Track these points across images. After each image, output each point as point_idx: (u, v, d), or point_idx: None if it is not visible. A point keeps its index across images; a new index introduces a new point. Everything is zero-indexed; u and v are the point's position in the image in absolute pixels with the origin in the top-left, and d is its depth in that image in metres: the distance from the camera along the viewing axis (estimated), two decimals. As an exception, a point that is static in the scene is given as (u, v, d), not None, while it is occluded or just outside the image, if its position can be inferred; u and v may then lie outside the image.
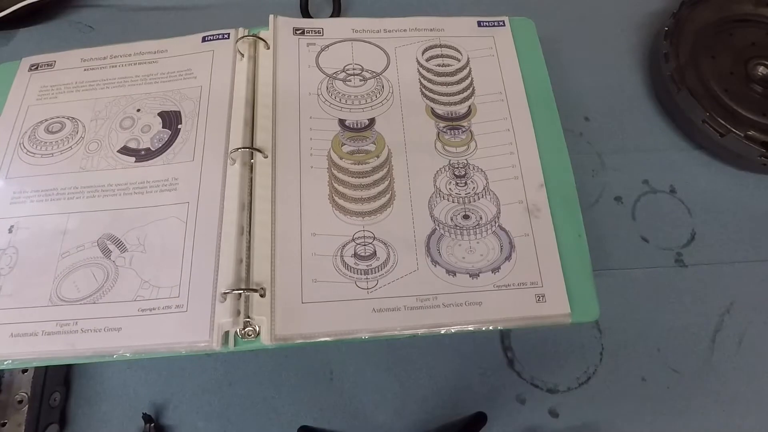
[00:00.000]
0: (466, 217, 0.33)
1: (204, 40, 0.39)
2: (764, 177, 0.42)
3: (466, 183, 0.35)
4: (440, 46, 0.40)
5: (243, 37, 0.38)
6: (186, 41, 0.40)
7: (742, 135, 0.39)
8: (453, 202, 0.34)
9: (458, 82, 0.38)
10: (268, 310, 0.30)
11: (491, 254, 0.32)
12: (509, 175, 0.35)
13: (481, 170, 0.35)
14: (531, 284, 0.31)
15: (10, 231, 0.33)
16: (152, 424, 0.33)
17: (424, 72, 0.39)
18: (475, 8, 0.42)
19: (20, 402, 0.32)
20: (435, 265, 0.32)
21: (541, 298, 0.31)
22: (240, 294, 0.30)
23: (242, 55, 0.38)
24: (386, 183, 0.34)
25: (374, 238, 0.33)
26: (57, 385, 0.34)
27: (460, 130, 0.36)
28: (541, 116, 0.37)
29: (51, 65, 0.40)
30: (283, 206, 0.33)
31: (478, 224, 0.33)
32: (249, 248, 0.32)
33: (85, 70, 0.40)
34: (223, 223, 0.32)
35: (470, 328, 0.30)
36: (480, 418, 0.33)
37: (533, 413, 0.35)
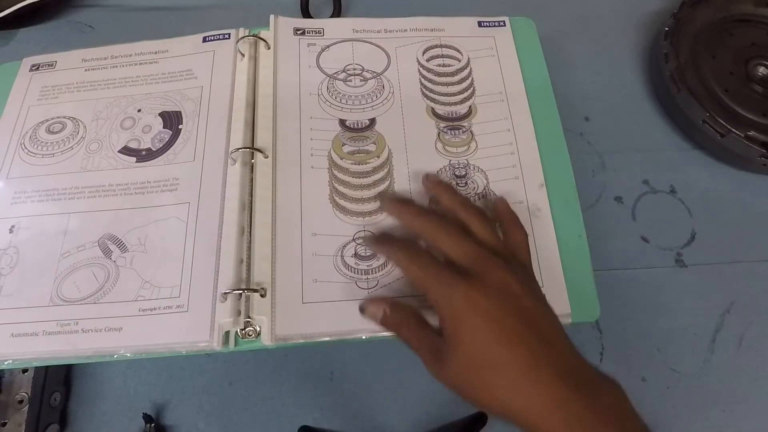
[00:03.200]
0: (466, 217, 0.33)
1: (205, 40, 0.40)
2: (764, 177, 0.42)
3: (466, 183, 0.35)
4: (440, 46, 0.40)
5: (243, 37, 0.39)
6: (187, 41, 0.40)
7: (742, 135, 0.39)
8: (453, 202, 0.34)
9: (459, 82, 0.38)
10: (268, 310, 0.30)
11: (491, 254, 0.32)
12: (509, 175, 0.35)
13: (482, 170, 0.35)
14: (531, 284, 0.31)
15: (10, 231, 0.33)
16: (152, 424, 0.33)
17: (424, 72, 0.39)
18: (476, 8, 0.42)
19: (20, 402, 0.32)
20: (435, 265, 0.32)
21: (541, 298, 0.31)
22: (240, 294, 0.30)
23: (243, 56, 0.38)
24: (386, 183, 0.34)
25: (375, 238, 0.33)
26: (57, 385, 0.34)
27: (460, 131, 0.36)
28: (542, 116, 0.37)
29: (52, 65, 0.40)
30: (283, 206, 0.33)
31: (478, 224, 0.33)
32: (249, 248, 0.32)
33: (85, 70, 0.40)
34: (224, 223, 0.32)
35: (470, 328, 0.30)
36: (480, 418, 0.33)
37: (533, 413, 0.35)
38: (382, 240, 0.30)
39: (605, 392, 0.24)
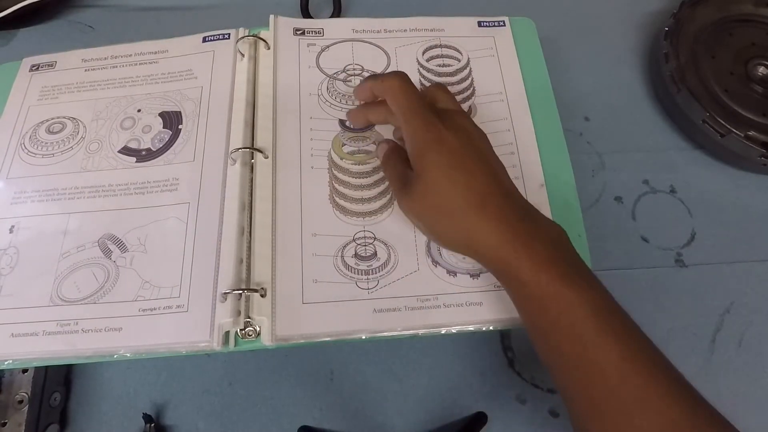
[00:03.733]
0: (466, 217, 0.33)
1: (204, 40, 0.40)
2: (764, 177, 0.42)
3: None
4: (440, 46, 0.40)
5: (243, 37, 0.39)
6: (186, 41, 0.40)
7: (742, 135, 0.39)
8: (453, 202, 0.34)
9: (458, 83, 0.38)
10: (268, 310, 0.30)
11: (491, 254, 0.32)
12: (510, 175, 0.35)
13: (482, 170, 0.35)
14: (531, 284, 0.31)
15: (10, 231, 0.33)
16: (152, 424, 0.33)
17: (424, 72, 0.39)
18: (475, 8, 0.42)
19: (20, 402, 0.32)
20: (435, 266, 0.32)
21: (541, 298, 0.31)
22: (240, 294, 0.30)
23: (243, 56, 0.38)
24: (386, 183, 0.34)
25: (375, 238, 0.33)
26: (57, 385, 0.34)
27: (460, 131, 0.36)
28: (542, 116, 0.37)
29: (52, 66, 0.40)
30: (283, 206, 0.33)
31: (478, 224, 0.33)
32: (249, 248, 0.32)
33: (85, 70, 0.40)
34: (224, 223, 0.32)
35: (470, 328, 0.30)
36: (480, 418, 0.34)
37: (533, 413, 0.35)
38: (392, 73, 0.33)
39: (547, 225, 0.29)
